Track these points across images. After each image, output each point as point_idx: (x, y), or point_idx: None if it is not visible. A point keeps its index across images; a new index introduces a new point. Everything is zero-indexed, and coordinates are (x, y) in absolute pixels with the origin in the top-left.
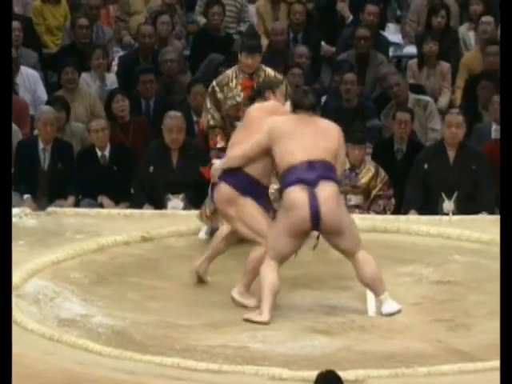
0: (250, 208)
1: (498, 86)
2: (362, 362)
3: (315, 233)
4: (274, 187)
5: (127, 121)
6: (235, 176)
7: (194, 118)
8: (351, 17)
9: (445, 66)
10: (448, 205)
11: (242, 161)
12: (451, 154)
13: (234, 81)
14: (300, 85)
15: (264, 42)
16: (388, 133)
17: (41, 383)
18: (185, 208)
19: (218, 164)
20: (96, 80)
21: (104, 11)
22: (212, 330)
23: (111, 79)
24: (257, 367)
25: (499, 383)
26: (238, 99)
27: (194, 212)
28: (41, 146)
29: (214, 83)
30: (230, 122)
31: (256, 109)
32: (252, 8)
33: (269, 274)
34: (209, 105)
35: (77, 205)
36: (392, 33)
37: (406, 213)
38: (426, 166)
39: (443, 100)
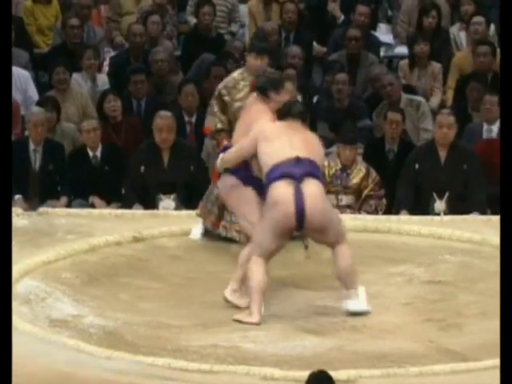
0: (249, 198)
1: (487, 86)
2: (353, 361)
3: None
4: None
5: (119, 121)
6: (238, 168)
7: (186, 119)
8: (342, 17)
9: (436, 66)
10: (439, 205)
11: (233, 163)
12: (442, 154)
13: (242, 83)
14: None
15: None
16: (380, 133)
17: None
18: (176, 208)
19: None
20: (87, 80)
21: (95, 11)
22: (203, 330)
23: (102, 79)
24: (248, 367)
25: (491, 383)
26: (247, 101)
27: (186, 212)
28: (32, 146)
29: (221, 86)
30: None
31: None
32: (243, 8)
33: (256, 272)
34: (215, 108)
35: (68, 205)
36: (383, 33)
37: (397, 213)
38: (417, 166)
39: (434, 100)
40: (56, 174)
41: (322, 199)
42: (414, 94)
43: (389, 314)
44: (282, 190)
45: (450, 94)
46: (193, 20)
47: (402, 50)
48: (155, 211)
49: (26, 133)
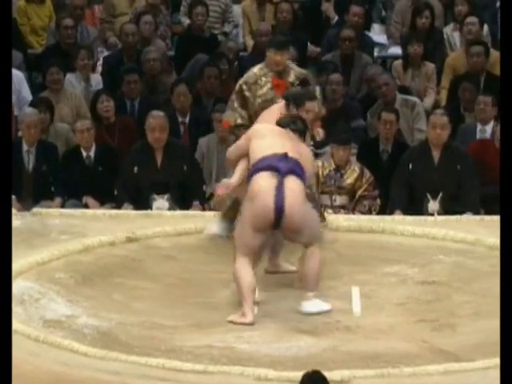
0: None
1: (479, 87)
2: (347, 362)
3: None
4: None
5: (112, 121)
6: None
7: (179, 119)
8: (336, 17)
9: (430, 66)
10: (433, 205)
11: (233, 160)
12: (436, 154)
13: (263, 79)
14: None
15: (250, 42)
16: (374, 133)
17: None
18: (170, 208)
19: None
20: (81, 81)
21: (89, 11)
22: (197, 330)
23: (96, 80)
24: (242, 368)
25: (484, 383)
26: (269, 97)
27: (180, 212)
28: (25, 147)
29: (241, 82)
30: None
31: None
32: (237, 8)
33: (244, 273)
34: (235, 104)
35: (62, 205)
36: (377, 33)
37: (391, 213)
38: (410, 166)
39: (428, 101)
40: (49, 175)
41: (302, 198)
42: (407, 95)
43: (382, 314)
44: (264, 182)
45: (443, 95)
46: (186, 21)
47: (396, 50)
48: (149, 211)
49: (20, 134)
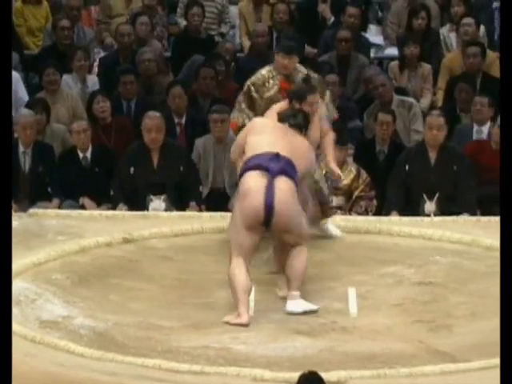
0: None
1: (476, 87)
2: (344, 362)
3: None
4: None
5: (109, 122)
6: None
7: (175, 120)
8: (332, 18)
9: (426, 67)
10: (429, 206)
11: (235, 154)
12: (432, 155)
13: (271, 81)
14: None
15: (246, 43)
16: (370, 134)
17: None
18: (167, 209)
19: None
20: (77, 82)
21: (85, 12)
22: (194, 331)
23: (93, 81)
24: (239, 368)
25: None
26: (276, 100)
27: (176, 213)
28: (21, 149)
29: (249, 83)
30: None
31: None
32: (233, 9)
33: (238, 273)
34: (243, 105)
35: (58, 206)
36: (373, 34)
37: (387, 214)
38: (407, 167)
39: (424, 102)
40: (46, 176)
41: (292, 198)
42: (404, 96)
43: (379, 314)
44: (253, 181)
45: (440, 95)
46: (183, 22)
47: (392, 51)
48: (145, 212)
49: (16, 135)
